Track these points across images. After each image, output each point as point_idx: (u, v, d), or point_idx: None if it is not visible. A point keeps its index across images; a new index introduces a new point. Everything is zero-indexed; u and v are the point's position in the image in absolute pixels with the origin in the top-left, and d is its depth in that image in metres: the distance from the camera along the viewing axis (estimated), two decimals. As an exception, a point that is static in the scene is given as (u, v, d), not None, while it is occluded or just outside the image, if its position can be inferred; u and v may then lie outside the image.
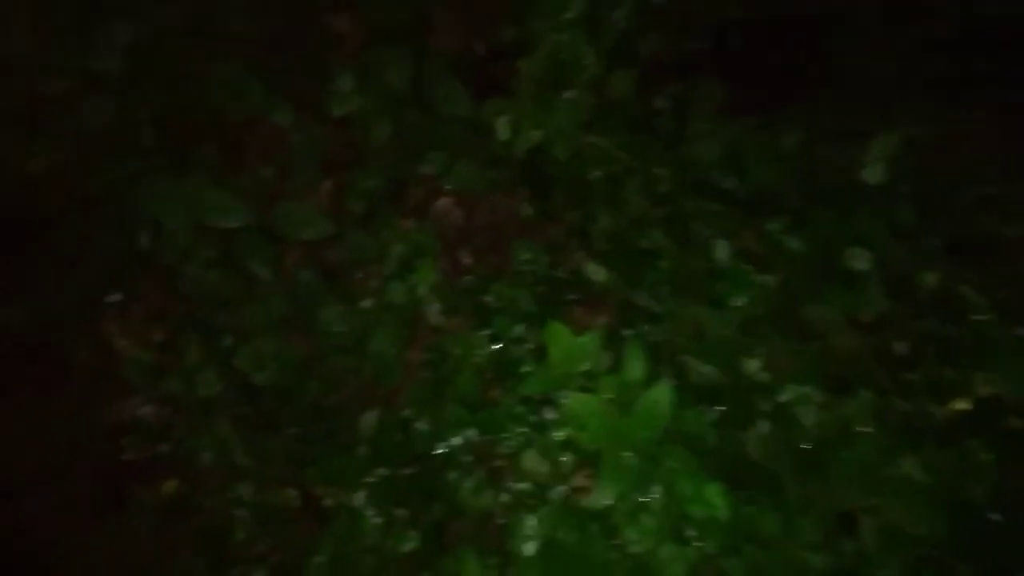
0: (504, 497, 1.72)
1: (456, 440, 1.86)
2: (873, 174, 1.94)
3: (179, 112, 2.48)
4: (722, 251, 2.04)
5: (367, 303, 2.13)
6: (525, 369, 1.92)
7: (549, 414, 1.81)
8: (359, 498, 1.88)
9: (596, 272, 2.20)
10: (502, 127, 2.29)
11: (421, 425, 1.87)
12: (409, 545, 1.78)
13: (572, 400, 1.52)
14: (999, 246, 1.73)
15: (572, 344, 1.60)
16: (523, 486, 1.73)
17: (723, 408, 1.65)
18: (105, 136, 2.42)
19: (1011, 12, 2.13)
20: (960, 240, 1.76)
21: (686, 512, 1.44)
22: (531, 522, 1.61)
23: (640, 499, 1.48)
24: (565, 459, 1.69)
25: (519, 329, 1.88)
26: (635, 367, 1.56)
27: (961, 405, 1.65)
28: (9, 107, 2.35)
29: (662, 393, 1.48)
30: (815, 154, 2.25)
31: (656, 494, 1.49)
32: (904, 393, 1.67)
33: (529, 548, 1.59)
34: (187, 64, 2.48)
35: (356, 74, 2.24)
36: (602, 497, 1.45)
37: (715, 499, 1.44)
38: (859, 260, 1.84)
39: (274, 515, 2.08)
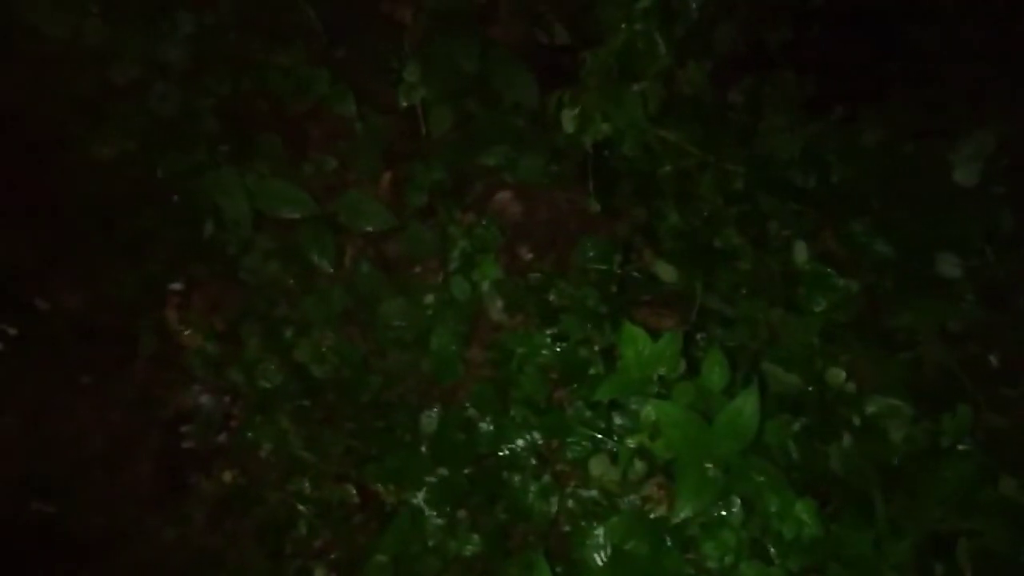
0: (570, 503, 1.66)
1: (520, 442, 1.80)
2: (966, 175, 1.82)
3: (242, 102, 2.47)
4: (801, 253, 1.95)
5: (429, 298, 2.09)
6: (592, 371, 1.85)
7: (619, 419, 1.74)
8: (420, 497, 1.84)
9: (666, 272, 2.13)
10: (568, 119, 2.22)
11: (484, 425, 1.82)
12: (472, 548, 1.73)
13: (651, 407, 1.45)
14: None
15: (648, 347, 1.53)
16: (590, 493, 1.67)
17: (806, 420, 1.57)
18: (170, 125, 2.42)
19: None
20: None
21: (769, 528, 1.36)
22: (599, 531, 1.54)
23: (721, 513, 1.41)
24: (637, 467, 1.62)
25: (586, 329, 1.81)
26: (715, 374, 1.48)
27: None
28: (79, 96, 2.35)
29: (748, 403, 1.40)
30: (899, 153, 2.14)
31: (735, 508, 1.41)
32: (999, 409, 1.56)
33: (598, 557, 1.53)
34: (250, 54, 2.46)
35: (421, 64, 2.19)
36: (681, 510, 1.38)
37: (805, 516, 1.36)
38: (950, 266, 1.74)
39: (333, 510, 2.04)
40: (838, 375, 1.63)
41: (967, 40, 2.28)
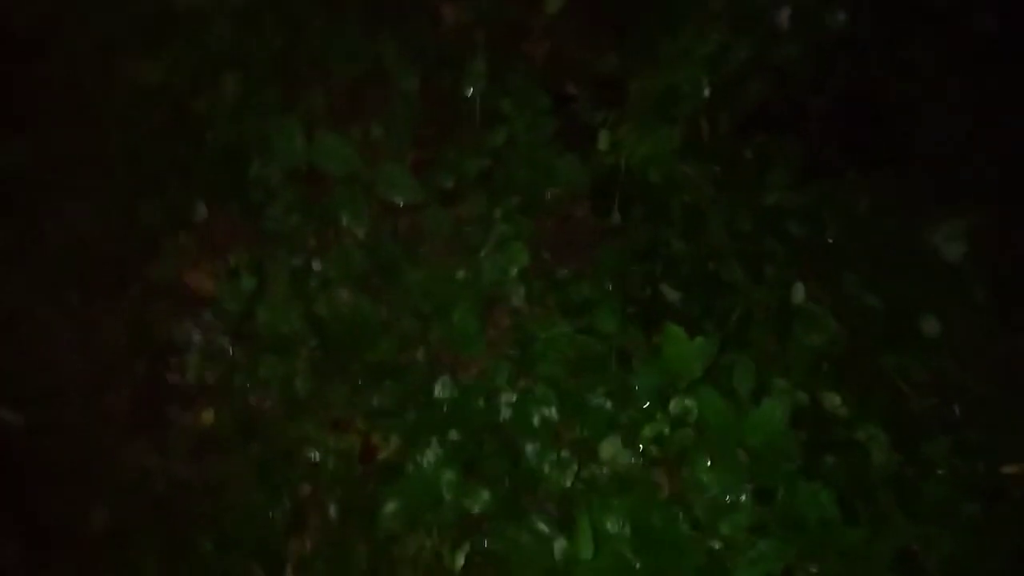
0: (585, 474, 1.82)
1: (537, 417, 1.95)
2: (950, 252, 2.13)
3: (295, 55, 2.54)
4: (799, 293, 2.19)
5: (460, 274, 2.22)
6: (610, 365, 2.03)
7: (632, 411, 1.92)
8: (430, 455, 1.95)
9: (670, 293, 2.34)
10: (604, 138, 2.42)
11: (506, 395, 1.96)
12: (481, 506, 1.86)
13: (693, 397, 1.63)
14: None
15: (688, 346, 1.72)
16: (604, 471, 1.83)
17: (804, 435, 1.79)
18: (222, 63, 2.47)
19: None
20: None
21: (786, 513, 1.56)
22: (617, 502, 1.71)
23: (738, 497, 1.60)
24: (651, 452, 1.80)
25: (615, 324, 1.99)
26: (746, 379, 1.69)
27: (1009, 470, 1.83)
28: (142, 19, 2.37)
29: (778, 405, 1.61)
30: (886, 223, 2.45)
31: (747, 494, 1.61)
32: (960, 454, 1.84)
33: (614, 526, 1.69)
34: (309, 12, 2.54)
35: (488, 61, 2.35)
36: (711, 487, 1.57)
37: (826, 501, 1.57)
38: (931, 326, 2.02)
39: (333, 459, 2.12)
40: (833, 398, 1.86)
41: (951, 133, 2.61)
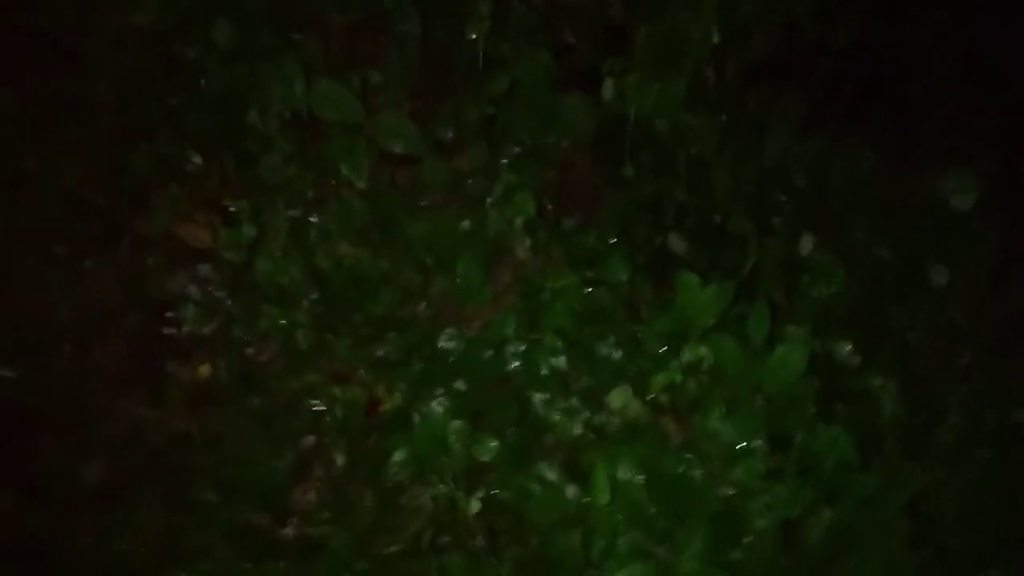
0: (595, 423, 1.80)
1: (546, 368, 1.92)
2: (960, 202, 2.12)
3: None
4: (807, 244, 2.18)
5: (462, 224, 2.17)
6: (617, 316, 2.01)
7: (642, 360, 1.90)
8: (437, 404, 1.93)
9: (677, 244, 2.31)
10: (609, 87, 2.37)
11: (513, 346, 1.93)
12: (489, 455, 1.84)
13: (708, 344, 1.61)
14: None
15: (702, 293, 1.70)
16: (613, 420, 1.82)
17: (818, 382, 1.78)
18: (214, 4, 2.38)
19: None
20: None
21: (801, 458, 1.55)
22: (628, 451, 1.69)
23: (754, 443, 1.59)
24: (661, 400, 1.78)
25: (624, 273, 1.96)
26: (761, 326, 1.67)
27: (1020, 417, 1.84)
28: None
29: (797, 350, 1.59)
30: (890, 174, 2.43)
31: (761, 440, 1.60)
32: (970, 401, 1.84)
33: (625, 474, 1.68)
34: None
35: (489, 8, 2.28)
36: (728, 435, 1.55)
37: (847, 447, 1.56)
38: (941, 276, 2.01)
39: (337, 410, 2.09)
40: (844, 348, 1.85)
41: (954, 86, 2.60)
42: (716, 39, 2.29)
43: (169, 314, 2.39)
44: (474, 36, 2.29)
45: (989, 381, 1.87)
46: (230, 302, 2.33)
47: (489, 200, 2.19)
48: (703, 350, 1.67)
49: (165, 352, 2.39)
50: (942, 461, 1.72)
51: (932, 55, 2.59)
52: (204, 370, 2.35)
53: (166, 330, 2.39)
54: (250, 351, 2.24)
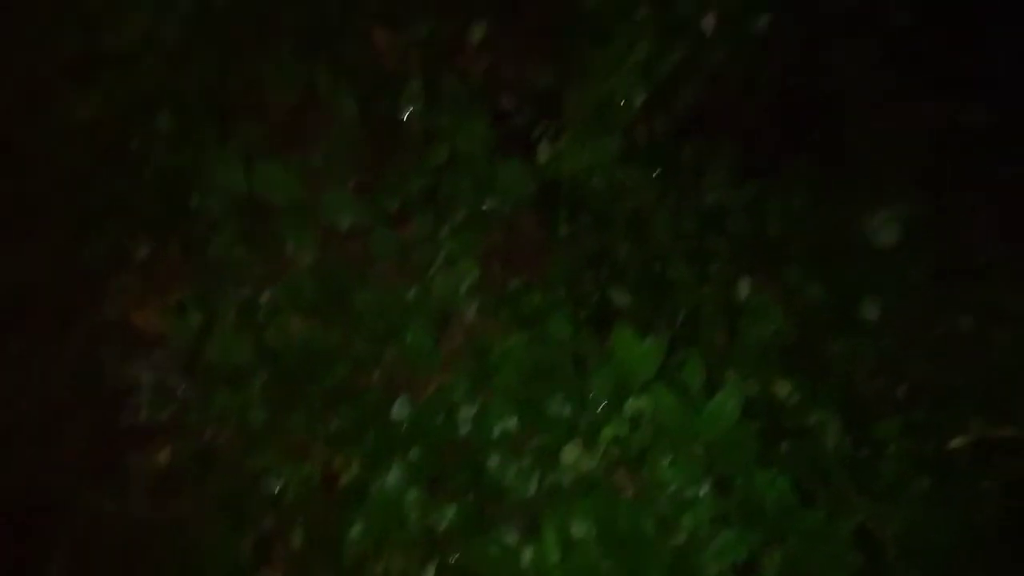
0: (548, 481, 1.83)
1: (497, 429, 1.96)
2: (883, 238, 2.20)
3: (229, 87, 2.53)
4: (745, 288, 2.25)
5: (411, 293, 2.22)
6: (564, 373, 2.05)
7: (590, 415, 1.94)
8: (393, 475, 1.95)
9: (619, 296, 2.37)
10: (544, 151, 2.45)
11: (466, 410, 1.96)
12: (447, 522, 1.86)
13: (645, 396, 1.66)
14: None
15: (639, 347, 1.75)
16: (566, 477, 1.85)
17: (758, 424, 1.83)
18: (155, 98, 2.45)
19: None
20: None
21: (744, 501, 1.59)
22: (581, 507, 1.72)
23: (698, 491, 1.63)
24: (611, 454, 1.82)
25: (568, 331, 2.01)
26: (696, 374, 1.72)
27: (955, 444, 1.90)
28: (71, 58, 2.34)
29: (731, 397, 1.65)
30: (821, 216, 2.52)
31: (708, 487, 1.64)
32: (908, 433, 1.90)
33: (580, 531, 1.70)
34: (241, 42, 2.54)
35: (424, 80, 2.37)
36: (671, 483, 1.59)
37: (784, 487, 1.60)
38: (871, 309, 2.09)
39: (293, 489, 2.10)
40: (784, 386, 1.91)
41: (876, 128, 2.71)
42: (643, 97, 2.38)
43: (126, 402, 2.39)
44: (410, 110, 2.36)
45: (926, 411, 1.93)
46: (184, 387, 2.34)
47: (432, 268, 2.23)
48: (643, 402, 1.71)
49: (124, 441, 2.38)
50: (885, 491, 1.77)
51: (853, 100, 2.71)
52: (163, 456, 2.35)
53: (124, 419, 2.39)
54: (207, 434, 2.24)
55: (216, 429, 2.26)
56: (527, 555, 1.79)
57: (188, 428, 2.28)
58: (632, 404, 1.70)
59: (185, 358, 2.37)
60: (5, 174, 2.42)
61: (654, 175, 2.57)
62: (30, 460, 2.36)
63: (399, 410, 2.10)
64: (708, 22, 2.52)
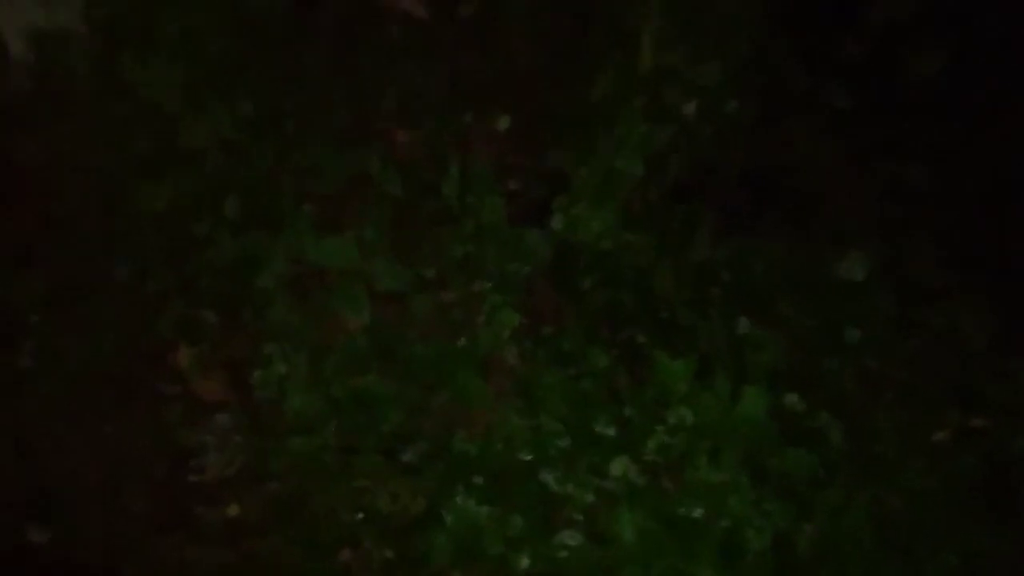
0: (603, 487, 2.14)
1: (553, 449, 2.27)
2: (856, 273, 2.65)
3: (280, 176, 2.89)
4: (745, 325, 2.65)
5: (459, 342, 2.55)
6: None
7: (632, 432, 2.28)
8: (462, 496, 2.23)
9: (638, 338, 2.74)
10: (559, 220, 2.87)
11: (524, 435, 2.27)
12: (515, 530, 2.14)
13: (692, 399, 2.01)
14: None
15: (674, 366, 2.12)
16: (617, 485, 2.17)
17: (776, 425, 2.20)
18: (220, 189, 2.79)
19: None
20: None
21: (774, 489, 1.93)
22: (629, 514, 2.04)
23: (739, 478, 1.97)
24: (655, 462, 2.15)
25: (599, 367, 2.37)
26: (724, 386, 2.09)
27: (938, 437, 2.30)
28: (144, 156, 2.68)
29: (759, 400, 2.01)
30: (799, 261, 2.97)
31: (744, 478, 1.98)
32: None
33: (639, 525, 2.01)
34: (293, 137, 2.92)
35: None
36: (714, 476, 1.93)
37: (814, 465, 1.95)
38: (852, 336, 2.51)
39: (371, 522, 2.35)
40: (791, 398, 2.29)
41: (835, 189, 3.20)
42: (641, 171, 2.83)
43: (193, 462, 2.62)
44: (446, 191, 2.76)
45: (909, 411, 2.32)
46: (253, 442, 2.59)
47: (479, 319, 2.58)
48: (684, 410, 2.06)
49: (192, 497, 2.59)
50: (883, 473, 2.13)
51: (810, 165, 3.20)
52: (232, 510, 2.57)
53: (191, 477, 2.61)
54: (273, 484, 2.48)
55: (285, 477, 2.50)
56: (593, 554, 2.07)
57: (256, 479, 2.51)
58: (674, 412, 2.04)
59: (252, 416, 2.62)
60: (83, 261, 2.69)
61: (652, 237, 2.99)
62: (103, 518, 2.53)
63: (461, 443, 2.39)
64: (689, 107, 3.02)
